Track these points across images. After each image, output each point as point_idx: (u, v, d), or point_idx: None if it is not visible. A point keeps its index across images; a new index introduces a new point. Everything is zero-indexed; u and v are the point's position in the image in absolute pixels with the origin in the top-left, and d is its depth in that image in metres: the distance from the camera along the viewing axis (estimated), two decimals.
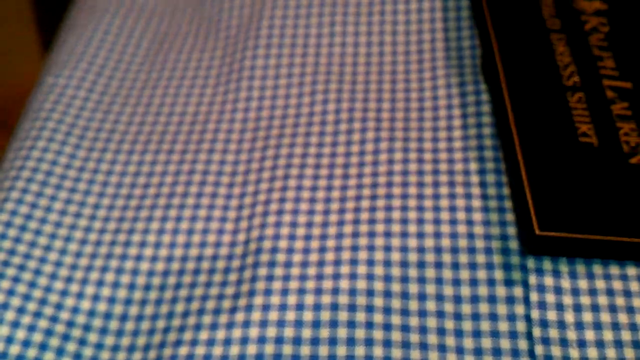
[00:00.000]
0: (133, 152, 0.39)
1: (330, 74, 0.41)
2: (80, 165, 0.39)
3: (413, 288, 0.32)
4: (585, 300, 0.31)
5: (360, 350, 0.30)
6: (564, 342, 0.30)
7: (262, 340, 0.31)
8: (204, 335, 0.31)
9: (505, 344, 0.30)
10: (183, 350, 0.31)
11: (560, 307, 0.31)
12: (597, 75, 0.37)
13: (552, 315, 0.31)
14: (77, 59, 0.44)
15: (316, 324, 0.31)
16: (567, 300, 0.31)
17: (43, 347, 0.32)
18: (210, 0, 0.47)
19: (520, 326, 0.31)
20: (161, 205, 0.37)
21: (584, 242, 0.31)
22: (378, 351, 0.30)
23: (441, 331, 0.31)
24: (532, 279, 0.31)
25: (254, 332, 0.31)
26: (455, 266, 0.32)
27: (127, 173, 0.38)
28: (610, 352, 0.30)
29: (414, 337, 0.31)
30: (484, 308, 0.31)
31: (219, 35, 0.45)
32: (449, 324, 0.31)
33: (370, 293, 0.32)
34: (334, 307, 0.31)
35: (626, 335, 0.30)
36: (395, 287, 0.32)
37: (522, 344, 0.30)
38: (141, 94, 0.43)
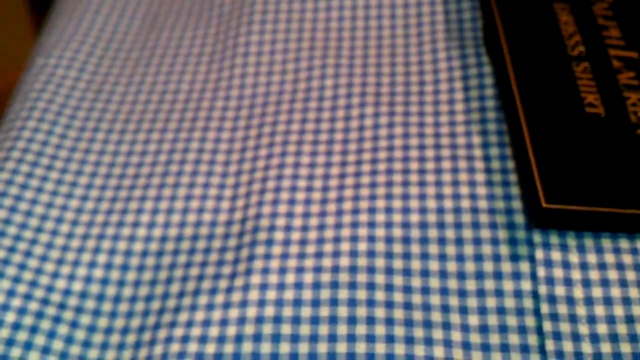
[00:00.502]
0: (126, 131, 0.38)
1: (327, 49, 0.40)
2: (72, 145, 0.38)
3: (415, 264, 0.31)
4: (594, 274, 0.30)
5: (361, 329, 0.29)
6: (573, 318, 0.29)
7: (260, 320, 0.30)
8: (199, 316, 0.30)
9: (512, 320, 0.29)
10: (178, 332, 0.30)
11: (568, 282, 0.30)
12: (602, 45, 0.36)
13: (560, 290, 0.29)
14: (67, 39, 0.43)
15: (315, 303, 0.30)
16: (576, 275, 0.30)
17: (34, 329, 0.31)
18: None
19: (528, 302, 0.30)
20: (155, 185, 0.35)
21: (592, 215, 0.30)
22: (380, 330, 0.29)
23: (445, 308, 0.30)
24: (539, 254, 0.30)
25: (251, 311, 0.30)
26: (459, 242, 0.31)
27: (119, 152, 0.37)
28: (622, 328, 0.29)
29: (417, 315, 0.30)
30: (489, 284, 0.30)
31: (212, 13, 0.44)
32: (454, 301, 0.30)
33: (371, 270, 0.31)
34: (334, 285, 0.30)
35: (637, 311, 0.29)
36: (397, 264, 0.31)
37: (530, 321, 0.29)
38: (133, 73, 0.41)
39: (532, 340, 0.29)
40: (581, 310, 0.29)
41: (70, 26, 0.44)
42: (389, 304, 0.30)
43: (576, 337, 0.28)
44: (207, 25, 0.43)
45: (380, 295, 0.30)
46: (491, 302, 0.30)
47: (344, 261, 0.31)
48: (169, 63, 0.41)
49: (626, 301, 0.29)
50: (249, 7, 0.43)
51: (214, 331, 0.30)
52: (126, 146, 0.38)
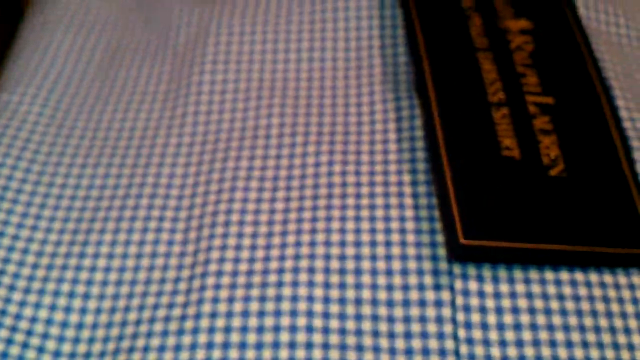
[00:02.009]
0: (86, 165, 0.41)
1: (274, 89, 0.44)
2: (36, 179, 0.41)
3: (350, 293, 0.35)
4: (506, 303, 0.34)
5: (300, 353, 0.33)
6: (486, 342, 0.33)
7: (210, 345, 0.33)
8: (155, 342, 0.33)
9: (433, 344, 0.33)
10: (136, 357, 0.33)
11: (483, 309, 0.34)
12: (520, 92, 0.40)
13: (475, 317, 0.33)
14: (30, 75, 0.46)
15: (260, 330, 0.33)
16: (490, 303, 0.34)
17: (4, 355, 0.34)
18: (159, 17, 0.49)
19: (448, 328, 0.33)
20: (113, 218, 0.39)
21: (506, 250, 0.34)
22: (317, 353, 0.33)
23: (375, 333, 0.33)
24: (458, 284, 0.34)
25: (202, 338, 0.33)
26: (389, 272, 0.35)
27: (80, 186, 0.40)
28: (529, 351, 0.33)
29: (350, 340, 0.33)
30: (414, 311, 0.34)
31: (168, 52, 0.47)
32: (383, 327, 0.34)
33: (310, 299, 0.34)
34: (277, 313, 0.34)
35: (544, 335, 0.33)
36: (333, 293, 0.34)
37: (449, 344, 0.33)
38: (93, 109, 0.44)
39: None
40: (494, 335, 0.33)
41: (33, 62, 0.47)
42: (325, 330, 0.33)
43: (489, 359, 0.32)
44: (163, 64, 0.46)
45: (318, 323, 0.34)
46: (416, 327, 0.34)
47: (287, 291, 0.35)
48: (127, 100, 0.45)
49: (533, 327, 0.33)
50: (202, 48, 0.46)
51: (168, 356, 0.33)
52: (87, 180, 0.41)
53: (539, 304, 0.34)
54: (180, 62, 0.46)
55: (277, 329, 0.34)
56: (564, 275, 0.35)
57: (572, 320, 0.34)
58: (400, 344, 0.33)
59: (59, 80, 0.46)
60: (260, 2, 0.48)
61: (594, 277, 0.35)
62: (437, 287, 0.35)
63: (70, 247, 0.38)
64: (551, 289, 0.34)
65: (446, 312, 0.34)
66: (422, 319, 0.34)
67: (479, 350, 0.33)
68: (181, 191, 0.40)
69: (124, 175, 0.41)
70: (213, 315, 0.34)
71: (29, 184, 0.40)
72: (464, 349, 0.33)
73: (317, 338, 0.33)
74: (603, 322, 0.34)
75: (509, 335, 0.33)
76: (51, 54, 0.47)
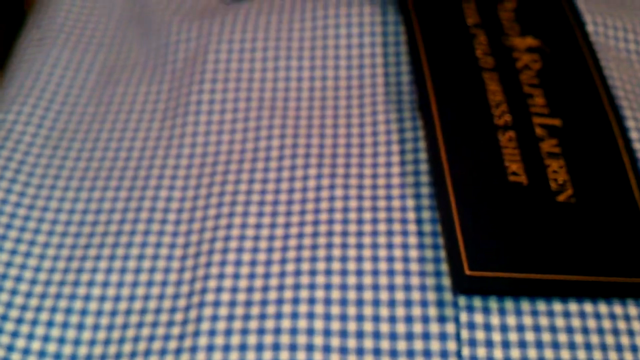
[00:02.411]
0: (81, 189, 0.40)
1: (274, 109, 0.43)
2: (30, 203, 0.40)
3: (351, 326, 0.34)
4: (513, 336, 0.33)
5: None
6: None
7: None
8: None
9: None
10: None
11: (489, 343, 0.33)
12: (527, 113, 0.39)
13: (481, 352, 0.32)
14: (25, 94, 0.45)
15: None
16: (496, 337, 0.33)
17: None
18: (157, 32, 0.48)
19: None
20: (109, 244, 0.38)
21: (512, 281, 0.33)
22: None
23: None
24: (463, 316, 0.33)
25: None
26: (392, 303, 0.34)
27: (75, 211, 0.39)
28: None
29: None
30: (418, 344, 0.33)
31: (166, 69, 0.46)
32: None
33: (310, 332, 0.33)
34: (276, 347, 0.33)
35: None
36: (335, 325, 0.33)
37: None
38: (89, 129, 0.43)
39: None
40: None
41: (28, 80, 0.46)
42: None
43: None
44: (161, 81, 0.45)
45: (318, 356, 0.33)
46: None
47: (285, 323, 0.33)
48: (124, 119, 0.44)
49: None
50: (201, 65, 0.45)
51: None
52: (82, 204, 0.40)
53: (546, 337, 0.33)
54: (179, 80, 0.45)
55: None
56: (573, 307, 0.34)
57: (581, 355, 0.32)
58: None
59: (55, 99, 0.45)
60: (261, 16, 0.47)
61: (603, 308, 0.34)
62: (441, 319, 0.34)
63: (65, 274, 0.37)
64: (559, 322, 0.33)
65: (451, 346, 0.33)
66: (426, 353, 0.33)
67: None
68: (179, 215, 0.39)
69: (120, 199, 0.40)
70: (210, 348, 0.33)
71: (23, 207, 0.39)
72: None
73: None
74: (613, 356, 0.33)
75: None
76: (47, 72, 0.46)
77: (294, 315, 0.34)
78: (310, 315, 0.34)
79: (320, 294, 0.34)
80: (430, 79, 0.40)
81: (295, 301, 0.34)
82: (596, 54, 0.43)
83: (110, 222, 0.39)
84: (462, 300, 0.34)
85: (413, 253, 0.36)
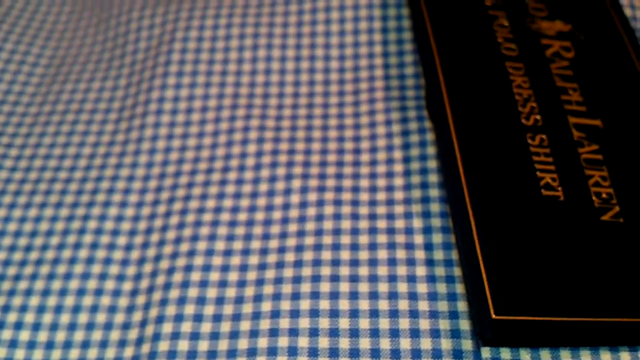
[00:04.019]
0: (15, 205, 0.33)
1: (252, 108, 0.35)
2: None
3: None
4: None
5: None
6: None
7: None
8: None
9: None
10: None
11: None
12: (561, 112, 0.32)
13: None
14: None
15: None
16: None
17: None
18: (116, 19, 0.40)
19: None
20: (43, 275, 0.30)
21: (551, 326, 0.25)
22: None
23: None
24: None
25: None
26: (396, 354, 0.26)
27: (5, 233, 0.32)
28: None
29: None
30: None
31: (124, 61, 0.38)
32: None
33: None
34: None
35: None
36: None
37: None
38: (29, 133, 0.36)
39: None
40: None
41: None
42: None
43: None
44: (117, 76, 0.38)
45: None
46: None
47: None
48: (71, 121, 0.36)
49: None
50: (165, 55, 0.37)
51: None
52: (14, 225, 0.32)
53: None
54: (139, 74, 0.37)
55: None
56: (625, 357, 0.26)
57: None
58: None
59: None
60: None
61: None
62: None
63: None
64: None
65: None
66: None
67: None
68: (130, 239, 0.31)
69: (60, 218, 0.32)
70: None
71: None
72: None
73: None
74: None
75: None
76: None
77: (271, 352, 0.26)
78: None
79: (304, 342, 0.27)
80: (441, 70, 0.32)
81: (272, 352, 0.27)
82: (638, 41, 0.36)
83: (46, 248, 0.31)
84: (485, 352, 0.26)
85: (422, 288, 0.28)
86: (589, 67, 0.34)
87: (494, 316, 0.25)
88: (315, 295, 0.28)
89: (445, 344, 0.27)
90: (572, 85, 0.33)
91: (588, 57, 0.34)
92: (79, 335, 0.28)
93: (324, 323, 0.27)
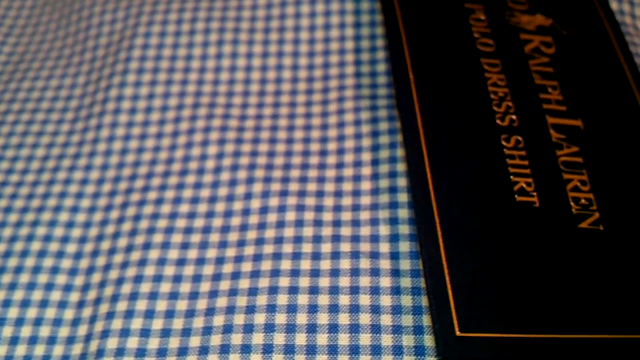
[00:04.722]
0: None
1: (214, 107, 0.33)
2: None
3: None
4: None
5: None
6: None
7: None
8: None
9: None
10: None
11: None
12: (539, 112, 0.30)
13: None
14: None
15: None
16: None
17: None
18: (78, 14, 0.38)
19: None
20: None
21: (519, 344, 0.23)
22: None
23: None
24: None
25: None
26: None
27: None
28: None
29: None
30: None
31: (84, 57, 0.36)
32: None
33: None
34: None
35: None
36: None
37: None
38: None
39: None
40: None
41: None
42: None
43: None
44: (77, 73, 0.36)
45: None
46: None
47: None
48: (26, 121, 0.34)
49: None
50: (126, 51, 0.35)
51: None
52: None
53: None
54: (98, 71, 0.35)
55: None
56: None
57: None
58: None
59: None
60: None
61: None
62: None
63: None
64: None
65: None
66: None
67: None
68: (80, 247, 0.29)
69: (8, 224, 0.30)
70: None
71: None
72: None
73: None
74: None
75: None
76: None
77: None
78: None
79: (256, 358, 0.25)
80: (411, 67, 0.31)
81: None
82: (623, 37, 0.34)
83: None
84: None
85: (385, 300, 0.26)
86: (571, 64, 0.32)
87: (458, 333, 0.23)
88: (271, 309, 0.26)
89: None
90: (552, 83, 0.31)
91: (570, 53, 0.32)
92: (20, 350, 0.27)
93: (279, 339, 0.25)
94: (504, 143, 0.28)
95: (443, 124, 0.29)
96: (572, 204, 0.27)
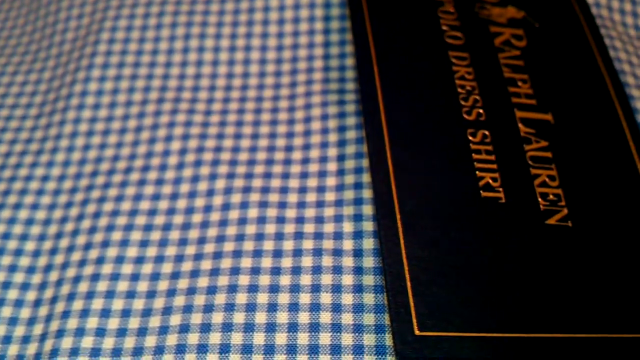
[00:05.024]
0: None
1: (179, 102, 0.32)
2: None
3: None
4: None
5: None
6: None
7: None
8: None
9: None
10: None
11: None
12: (508, 105, 0.29)
13: None
14: None
15: None
16: None
17: None
18: (46, 8, 0.38)
19: None
20: None
21: (482, 343, 0.23)
22: None
23: None
24: None
25: None
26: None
27: None
28: None
29: None
30: None
31: (50, 52, 0.36)
32: None
33: None
34: None
35: None
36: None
37: None
38: None
39: None
40: None
41: None
42: None
43: None
44: (42, 68, 0.35)
45: None
46: None
47: None
48: None
49: None
50: (92, 46, 0.35)
51: None
52: None
53: None
54: (64, 66, 0.35)
55: None
56: None
57: None
58: None
59: None
60: None
61: None
62: None
63: None
64: None
65: None
66: None
67: None
68: (39, 245, 0.29)
69: None
70: None
71: None
72: None
73: None
74: None
75: None
76: None
77: None
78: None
79: (213, 358, 0.24)
80: (376, 60, 0.30)
81: None
82: (598, 30, 0.33)
83: None
84: None
85: (347, 299, 0.25)
86: (542, 58, 0.31)
87: (417, 332, 0.23)
88: (229, 308, 0.25)
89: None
90: (522, 77, 0.30)
91: (542, 46, 0.32)
92: None
93: (237, 338, 0.25)
94: (470, 137, 0.28)
95: (407, 117, 0.28)
96: (539, 199, 0.27)
